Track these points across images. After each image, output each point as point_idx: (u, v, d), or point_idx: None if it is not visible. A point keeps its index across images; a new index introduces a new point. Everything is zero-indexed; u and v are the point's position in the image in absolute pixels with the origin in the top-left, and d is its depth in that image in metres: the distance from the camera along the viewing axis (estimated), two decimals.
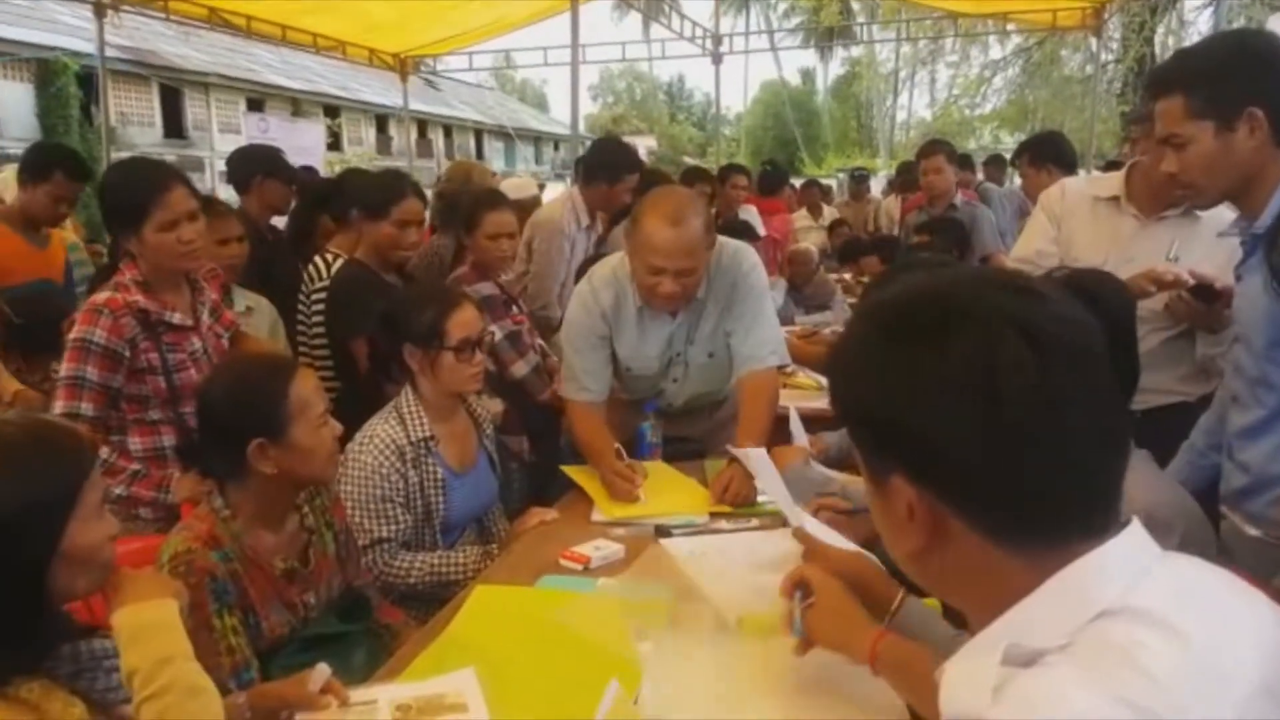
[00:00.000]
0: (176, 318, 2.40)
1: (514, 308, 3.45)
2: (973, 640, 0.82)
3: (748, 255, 2.66)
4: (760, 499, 2.35)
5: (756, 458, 2.04)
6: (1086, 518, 0.79)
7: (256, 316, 3.17)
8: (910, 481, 0.82)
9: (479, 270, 3.37)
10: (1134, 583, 0.77)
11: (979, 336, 0.77)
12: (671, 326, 2.63)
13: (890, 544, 0.88)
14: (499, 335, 3.26)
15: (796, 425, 2.61)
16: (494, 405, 3.21)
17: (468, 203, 3.47)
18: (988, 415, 0.76)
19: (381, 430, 2.30)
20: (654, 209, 2.41)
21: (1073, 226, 2.67)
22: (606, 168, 4.08)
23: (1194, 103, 1.76)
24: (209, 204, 3.21)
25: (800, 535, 1.70)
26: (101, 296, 2.35)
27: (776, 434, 2.63)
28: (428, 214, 4.07)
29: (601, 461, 2.50)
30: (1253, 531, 1.64)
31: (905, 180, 7.94)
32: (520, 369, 3.32)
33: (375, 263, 3.20)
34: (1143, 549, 0.81)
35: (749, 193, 6.39)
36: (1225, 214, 2.34)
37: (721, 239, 2.61)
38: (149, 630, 1.29)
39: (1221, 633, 0.77)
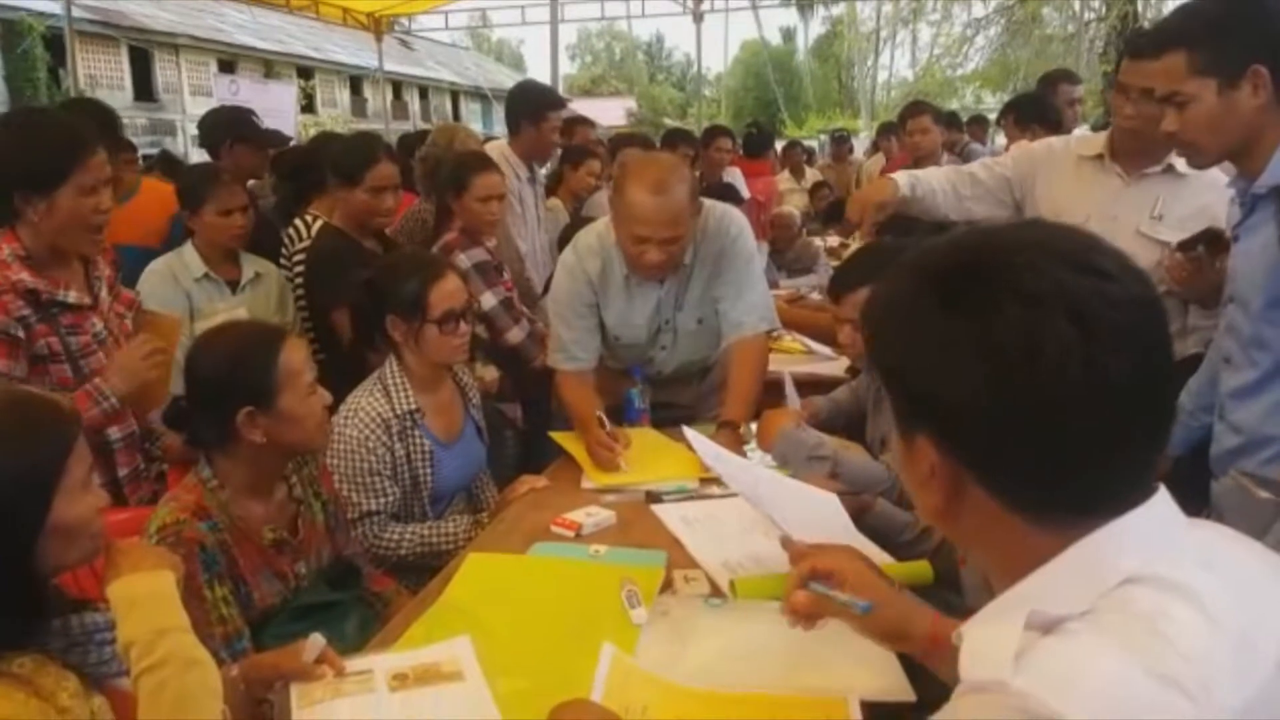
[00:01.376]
0: (72, 296, 2.14)
1: (504, 273, 3.41)
2: (994, 603, 0.81)
3: (734, 220, 2.63)
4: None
5: (697, 442, 2.02)
6: (1112, 499, 0.77)
7: (264, 283, 3.14)
8: (935, 445, 0.81)
9: (468, 235, 3.31)
10: (1160, 552, 0.76)
11: (1027, 313, 0.73)
12: (659, 293, 2.60)
13: (912, 496, 0.88)
14: (494, 301, 3.22)
15: (791, 390, 2.60)
16: (489, 372, 3.18)
17: (453, 165, 3.40)
18: (1023, 395, 0.74)
19: (366, 403, 2.27)
20: (637, 178, 2.36)
21: (1055, 185, 2.68)
22: (529, 110, 3.96)
23: (1197, 60, 1.74)
24: (215, 175, 3.14)
25: (785, 543, 1.69)
26: None
27: (767, 399, 2.63)
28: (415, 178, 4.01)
29: (585, 430, 2.48)
30: (1263, 494, 1.65)
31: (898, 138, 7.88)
32: (516, 335, 3.28)
33: (353, 229, 3.14)
34: (1170, 518, 0.80)
35: (733, 155, 6.34)
36: (1210, 172, 2.35)
37: (707, 203, 2.58)
38: (145, 602, 1.27)
39: (1247, 605, 0.76)
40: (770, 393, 2.69)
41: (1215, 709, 0.69)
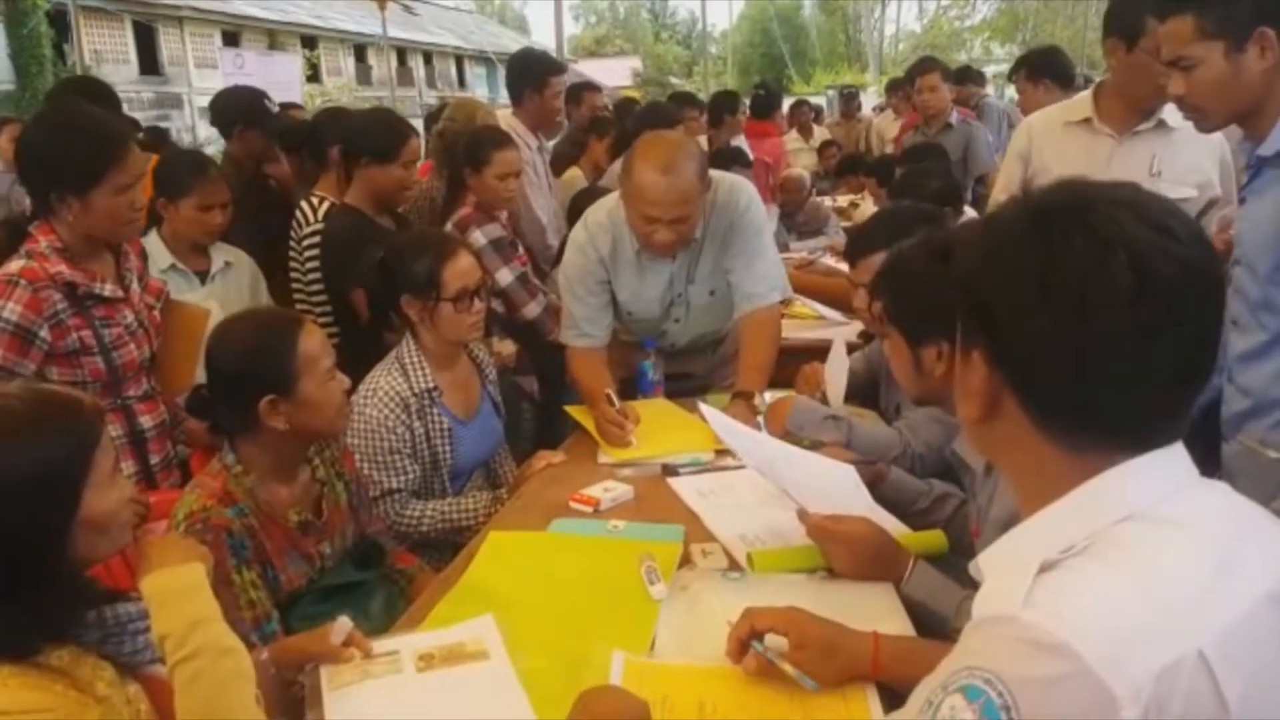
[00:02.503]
0: (107, 289, 2.17)
1: (518, 248, 3.41)
2: (1010, 536, 0.91)
3: (744, 191, 2.62)
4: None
5: (713, 418, 2.03)
6: (1135, 436, 0.85)
7: (235, 273, 3.04)
8: (986, 361, 0.89)
9: (483, 211, 3.29)
10: (1166, 495, 0.83)
11: (1093, 252, 0.80)
12: (671, 268, 2.61)
13: (957, 402, 0.96)
14: (511, 278, 3.22)
15: (838, 354, 2.53)
16: (506, 347, 3.21)
17: (471, 140, 3.37)
18: (1070, 323, 0.81)
19: (384, 383, 2.29)
20: (646, 157, 2.36)
21: (1046, 156, 2.69)
22: (532, 79, 3.99)
23: (1205, 23, 1.73)
24: (202, 167, 2.98)
25: (802, 516, 1.71)
26: (14, 266, 2.06)
27: (782, 367, 2.64)
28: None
29: (595, 407, 2.49)
30: (1273, 454, 1.66)
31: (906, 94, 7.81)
32: (533, 310, 3.29)
33: (370, 207, 3.14)
34: (1181, 468, 0.86)
35: (746, 118, 6.31)
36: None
37: (716, 174, 2.57)
38: (178, 595, 1.30)
39: (1244, 542, 0.82)
40: (784, 359, 2.69)
41: (1200, 630, 0.76)
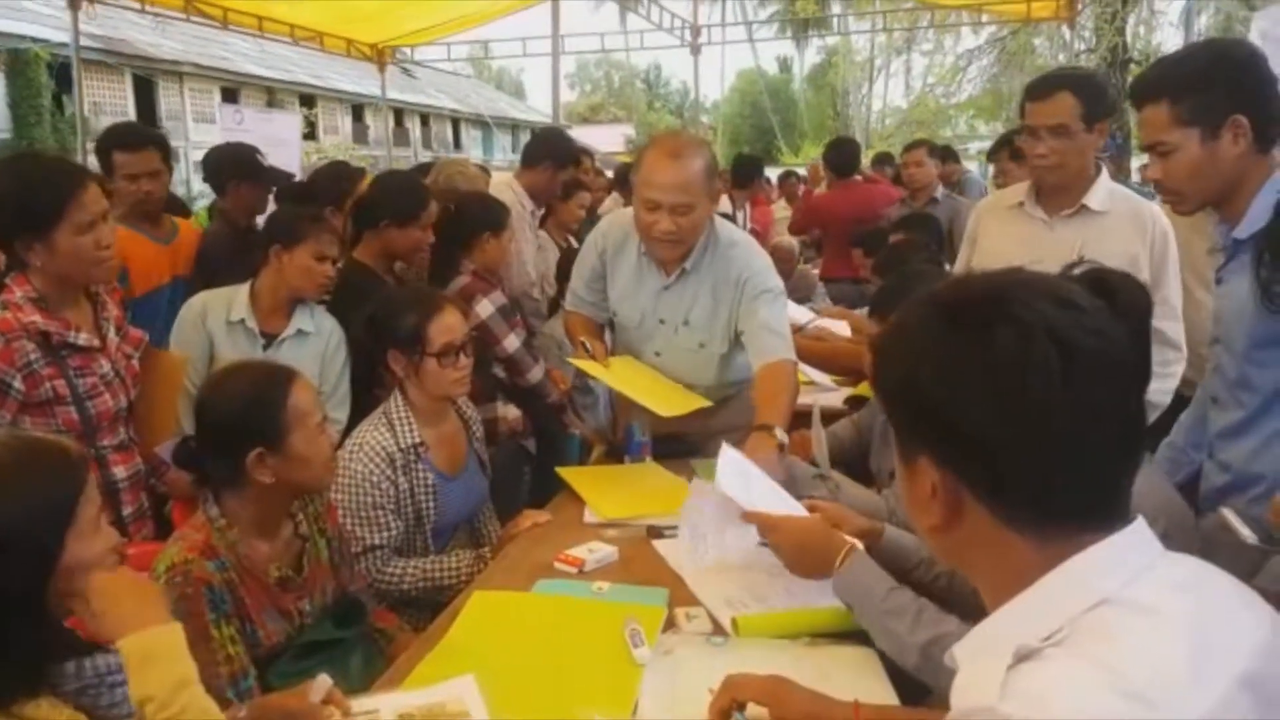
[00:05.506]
0: (82, 338, 2.15)
1: (515, 311, 3.42)
2: (983, 627, 0.90)
3: (763, 256, 2.70)
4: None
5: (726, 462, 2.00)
6: (1092, 511, 0.86)
7: (307, 343, 2.83)
8: (935, 464, 0.89)
9: (483, 278, 3.27)
10: (1135, 576, 0.84)
11: (1016, 337, 0.83)
12: (664, 283, 2.66)
13: (913, 517, 0.96)
14: (517, 344, 3.22)
15: (816, 422, 2.56)
16: (510, 412, 3.22)
17: (494, 208, 3.39)
18: (1012, 408, 0.83)
19: (371, 437, 2.29)
20: (657, 145, 2.49)
21: (988, 238, 2.79)
22: (558, 153, 4.15)
23: (1180, 110, 1.79)
24: (317, 216, 2.89)
25: (751, 517, 1.76)
26: None
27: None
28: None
29: (576, 338, 2.68)
30: (1249, 538, 1.68)
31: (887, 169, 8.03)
32: (536, 374, 3.29)
33: (380, 265, 3.17)
34: (1146, 545, 0.87)
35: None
36: (1133, 209, 2.45)
37: (738, 231, 2.69)
38: (160, 656, 1.27)
39: (1214, 624, 0.83)
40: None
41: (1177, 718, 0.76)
